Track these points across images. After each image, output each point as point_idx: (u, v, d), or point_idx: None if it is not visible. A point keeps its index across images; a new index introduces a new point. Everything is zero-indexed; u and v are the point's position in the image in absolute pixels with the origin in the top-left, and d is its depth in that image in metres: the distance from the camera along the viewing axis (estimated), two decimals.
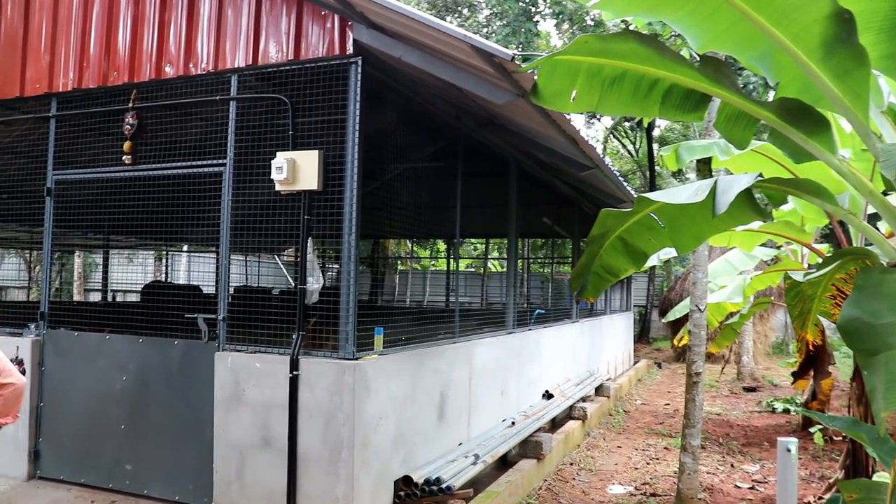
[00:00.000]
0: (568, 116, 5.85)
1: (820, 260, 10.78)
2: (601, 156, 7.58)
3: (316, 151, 5.31)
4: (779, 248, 11.52)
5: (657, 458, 9.38)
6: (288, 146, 5.46)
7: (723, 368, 17.44)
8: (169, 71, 6.08)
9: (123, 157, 6.24)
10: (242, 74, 5.77)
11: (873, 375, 2.98)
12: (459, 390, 6.94)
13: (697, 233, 4.64)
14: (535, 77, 3.96)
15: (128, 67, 6.24)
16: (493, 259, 28.32)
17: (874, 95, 3.45)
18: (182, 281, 21.63)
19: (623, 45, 3.57)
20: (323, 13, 5.45)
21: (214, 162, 5.80)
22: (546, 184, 11.53)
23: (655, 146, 29.63)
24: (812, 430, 9.45)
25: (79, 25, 6.50)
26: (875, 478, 6.07)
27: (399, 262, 27.53)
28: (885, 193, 4.58)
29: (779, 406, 12.99)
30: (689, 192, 3.96)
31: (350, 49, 5.31)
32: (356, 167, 5.20)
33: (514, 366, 8.73)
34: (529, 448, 7.84)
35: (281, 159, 5.31)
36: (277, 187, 5.40)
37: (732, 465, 9.15)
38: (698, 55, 3.53)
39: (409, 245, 27.49)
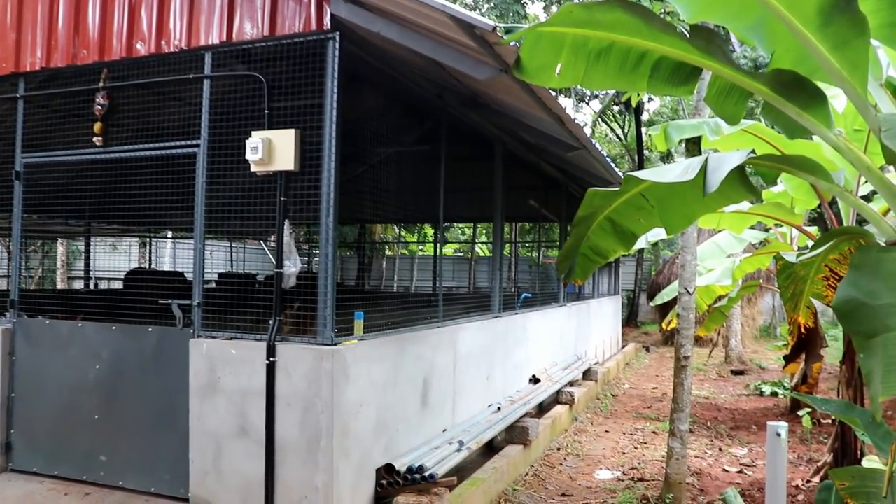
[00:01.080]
0: (553, 93, 5.68)
1: (810, 242, 10.71)
2: (588, 136, 7.41)
3: (293, 130, 5.12)
4: (767, 230, 11.41)
5: (645, 443, 9.29)
6: (264, 125, 5.26)
7: (711, 352, 17.41)
8: (140, 49, 5.85)
9: (94, 139, 6.03)
10: (217, 52, 5.56)
11: (870, 358, 2.85)
12: (444, 376, 6.79)
13: (688, 212, 4.50)
14: (518, 50, 3.79)
15: (98, 45, 6.00)
16: (480, 243, 28.17)
17: (872, 67, 3.30)
18: (167, 268, 21.40)
19: (609, 14, 3.40)
20: None
21: (188, 143, 5.59)
22: (532, 166, 11.37)
23: (644, 129, 29.49)
24: (801, 413, 9.39)
25: (46, 1, 6.25)
26: (865, 462, 5.98)
27: (386, 247, 27.34)
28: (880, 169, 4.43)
29: (767, 389, 12.94)
30: (679, 170, 3.81)
31: (327, 24, 5.11)
32: (334, 146, 5.01)
33: (500, 350, 8.60)
34: (516, 434, 7.72)
35: (256, 139, 5.12)
36: (253, 168, 5.21)
37: (720, 449, 9.07)
38: (689, 26, 3.36)
39: (397, 230, 27.30)
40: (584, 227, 4.76)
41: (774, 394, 12.67)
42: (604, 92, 31.01)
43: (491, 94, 6.69)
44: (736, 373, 15.60)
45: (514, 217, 18.59)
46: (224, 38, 5.46)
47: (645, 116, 31.49)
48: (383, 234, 27.32)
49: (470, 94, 7.27)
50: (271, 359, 5.04)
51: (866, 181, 7.68)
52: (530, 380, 9.71)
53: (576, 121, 6.65)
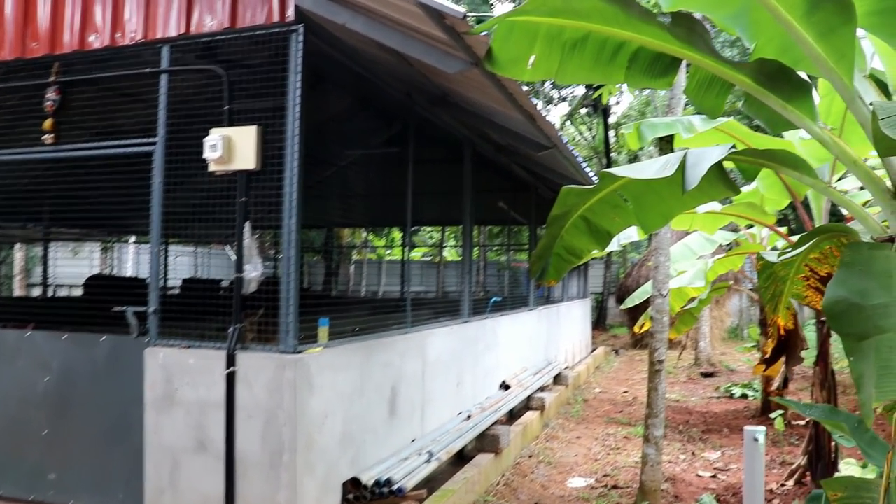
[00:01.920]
0: (525, 88, 5.50)
1: (780, 242, 10.68)
2: (559, 135, 7.26)
3: (254, 127, 4.87)
4: (736, 231, 11.37)
5: (617, 449, 9.15)
6: (224, 122, 5.01)
7: (680, 354, 17.37)
8: (94, 41, 5.56)
9: (44, 137, 5.71)
10: (175, 45, 5.29)
11: (862, 361, 2.70)
12: (412, 383, 6.57)
13: (665, 210, 4.35)
14: (490, 41, 3.61)
15: (49, 37, 5.69)
16: (448, 247, 28.00)
17: (857, 58, 3.17)
18: (130, 273, 20.90)
19: (586, 2, 3.22)
20: None
21: (145, 141, 5.31)
22: (502, 168, 11.21)
23: (611, 132, 29.59)
24: (773, 415, 9.33)
25: None
26: (842, 465, 5.91)
27: (354, 251, 27.03)
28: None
29: (737, 391, 12.91)
30: (657, 166, 3.66)
31: (291, 16, 4.88)
32: (297, 144, 4.78)
33: (469, 356, 8.40)
34: (486, 442, 7.53)
35: (216, 136, 4.86)
36: (212, 167, 4.95)
37: (693, 454, 8.97)
38: (669, 14, 3.20)
39: (364, 234, 27.01)
40: (558, 226, 4.60)
41: (745, 396, 12.63)
42: (571, 94, 31.09)
43: (461, 91, 6.51)
44: (706, 375, 15.59)
45: (484, 220, 18.45)
46: (183, 30, 5.20)
47: (612, 119, 31.55)
48: (351, 239, 27.02)
49: (439, 93, 7.08)
50: (231, 368, 4.79)
51: (840, 178, 7.65)
52: (501, 386, 9.53)
53: (547, 118, 6.48)
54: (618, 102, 32.61)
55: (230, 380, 4.78)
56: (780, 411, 8.90)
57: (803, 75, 3.24)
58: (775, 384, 10.57)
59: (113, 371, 5.33)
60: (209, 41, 5.16)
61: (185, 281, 14.53)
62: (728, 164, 5.31)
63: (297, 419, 4.67)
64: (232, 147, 4.87)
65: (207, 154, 4.86)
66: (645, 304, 12.70)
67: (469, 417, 7.63)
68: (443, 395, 7.39)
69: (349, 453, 5.36)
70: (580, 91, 31.39)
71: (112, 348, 5.37)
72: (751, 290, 12.72)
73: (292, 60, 4.85)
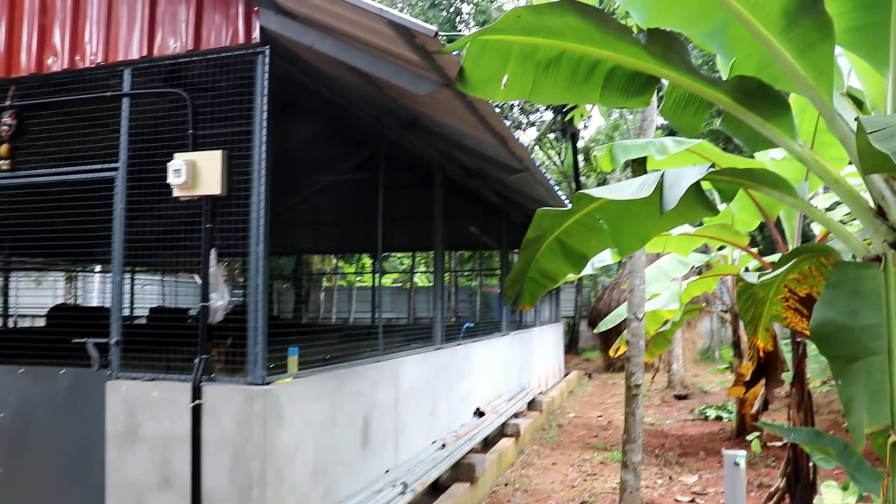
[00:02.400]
0: (497, 109, 5.43)
1: (753, 263, 10.71)
2: (531, 157, 7.19)
3: (219, 152, 4.73)
4: (707, 253, 11.40)
5: (594, 474, 9.03)
6: (188, 147, 4.86)
7: (653, 377, 17.36)
8: (52, 64, 5.39)
9: (0, 163, 5.51)
10: (137, 68, 5.14)
11: (851, 385, 2.61)
12: (385, 413, 6.40)
13: (642, 232, 4.28)
14: (461, 61, 3.52)
15: (4, 60, 5.51)
16: (419, 273, 27.86)
17: (835, 76, 3.12)
18: (96, 303, 20.42)
19: (561, 19, 3.15)
20: None
21: (106, 167, 5.14)
22: (473, 193, 11.16)
23: (580, 157, 29.78)
24: (749, 437, 9.27)
25: None
26: (823, 488, 5.82)
27: (324, 278, 26.78)
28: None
29: (711, 413, 12.88)
30: (634, 187, 3.58)
31: (257, 37, 4.76)
32: (264, 169, 4.65)
33: (443, 383, 8.25)
34: (462, 471, 7.36)
35: (179, 161, 4.71)
36: (176, 193, 4.79)
37: (671, 478, 8.87)
38: (646, 31, 3.14)
39: (335, 261, 26.77)
40: (533, 249, 4.51)
41: (719, 418, 12.60)
42: (540, 119, 31.29)
43: (431, 115, 6.43)
44: (679, 397, 15.56)
45: (454, 245, 18.36)
46: (145, 52, 5.05)
47: (581, 143, 31.77)
48: (321, 266, 26.77)
49: (409, 117, 7.00)
50: (197, 401, 4.59)
51: (810, 197, 7.67)
52: (475, 413, 9.37)
53: (519, 141, 6.41)
54: (586, 127, 32.87)
55: (196, 413, 4.59)
56: (756, 433, 8.85)
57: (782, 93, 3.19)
58: (755, 407, 10.52)
59: (73, 406, 5.10)
60: (172, 64, 5.02)
61: (152, 310, 14.22)
62: (705, 185, 5.25)
63: (267, 452, 4.49)
64: (196, 172, 4.72)
65: (171, 179, 4.70)
66: (618, 328, 12.68)
67: (444, 446, 7.47)
68: (417, 423, 7.22)
69: (321, 486, 5.17)
70: (549, 116, 31.69)
71: (72, 382, 5.14)
72: (722, 311, 12.73)
73: (258, 83, 4.73)
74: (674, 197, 3.23)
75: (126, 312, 15.57)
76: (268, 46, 4.75)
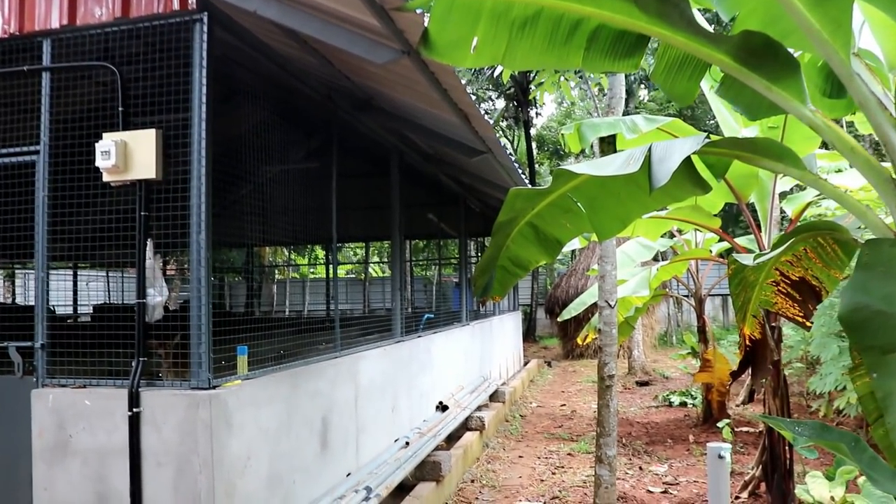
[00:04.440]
0: (463, 82, 5.01)
1: (716, 247, 10.50)
2: (495, 137, 6.79)
3: (153, 131, 4.23)
4: (672, 237, 11.19)
5: (562, 467, 8.73)
6: (117, 125, 4.35)
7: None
8: None
9: None
10: (58, 38, 4.60)
11: (889, 378, 2.28)
12: (344, 412, 5.98)
13: (622, 214, 3.94)
14: (426, 22, 3.12)
15: None
16: (374, 263, 27.37)
17: None
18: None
19: None
20: None
21: (24, 150, 4.60)
22: (430, 180, 10.75)
23: (534, 144, 29.57)
24: (720, 424, 9.06)
25: None
26: (809, 479, 5.59)
27: (276, 270, 26.10)
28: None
29: (675, 399, 12.72)
30: (619, 162, 3.22)
31: (193, 3, 4.27)
32: (204, 149, 4.16)
33: (404, 378, 7.84)
34: (427, 470, 6.98)
35: (108, 142, 4.20)
36: (106, 177, 4.29)
37: (641, 468, 8.63)
38: None
39: (287, 253, 26.10)
40: (504, 235, 4.13)
41: (684, 404, 12.44)
42: (492, 107, 30.97)
43: (388, 93, 6.00)
44: (641, 384, 15.40)
45: (411, 235, 17.94)
46: (66, 21, 4.51)
47: (533, 131, 31.57)
48: (272, 258, 26.09)
49: (363, 97, 6.56)
50: (135, 409, 4.11)
51: (784, 176, 7.43)
52: (437, 407, 8.99)
53: (484, 118, 6.00)
54: (538, 115, 32.73)
55: (134, 422, 4.11)
56: (727, 420, 8.63)
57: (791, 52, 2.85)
58: (740, 397, 10.29)
59: None
60: (99, 34, 4.49)
61: (96, 308, 13.52)
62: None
63: (215, 464, 4.03)
64: (128, 154, 4.22)
65: (100, 162, 4.19)
66: (577, 316, 12.43)
67: (407, 444, 7.07)
68: (378, 422, 6.81)
69: (277, 496, 4.73)
70: (501, 104, 31.38)
71: None
72: (685, 296, 12.54)
73: (196, 53, 4.24)
74: (665, 172, 2.88)
75: (69, 311, 14.92)
76: (206, 13, 4.26)
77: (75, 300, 15.03)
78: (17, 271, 19.15)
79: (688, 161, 3.10)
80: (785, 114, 3.10)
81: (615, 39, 3.09)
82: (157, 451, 4.10)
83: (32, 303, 4.61)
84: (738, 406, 10.75)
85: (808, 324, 3.99)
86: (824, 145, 6.78)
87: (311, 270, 29.01)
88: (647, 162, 2.99)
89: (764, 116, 3.15)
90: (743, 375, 4.74)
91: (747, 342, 4.36)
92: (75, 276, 15.08)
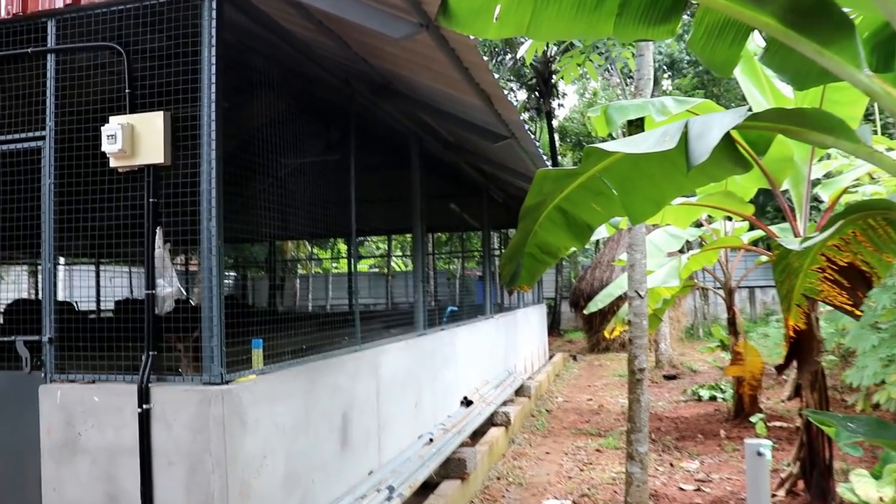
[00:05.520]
0: (485, 59, 4.76)
1: (747, 236, 10.17)
2: (519, 120, 6.52)
3: (161, 113, 4.04)
4: (699, 226, 10.87)
5: (590, 464, 8.47)
6: (125, 109, 4.16)
7: None
8: None
9: None
10: (63, 18, 4.41)
11: None
12: (366, 408, 5.77)
13: (656, 195, 3.69)
14: None
15: None
16: (396, 257, 27.21)
17: None
18: (64, 297, 19.49)
19: None
20: None
21: (30, 135, 4.42)
22: (452, 170, 10.50)
23: (556, 136, 29.24)
24: (753, 419, 8.76)
25: None
26: (853, 476, 5.30)
27: (299, 265, 26.01)
28: None
29: (705, 394, 12.38)
30: (654, 138, 2.98)
31: None
32: (214, 132, 3.96)
33: (427, 372, 7.62)
34: (452, 467, 6.77)
35: (114, 125, 4.01)
36: (113, 163, 4.10)
37: (671, 465, 8.34)
38: None
39: (309, 247, 26.01)
40: (531, 220, 3.90)
41: (713, 398, 12.12)
42: (514, 99, 30.64)
43: (407, 76, 5.78)
44: (669, 377, 15.08)
45: (432, 227, 17.73)
46: (71, 0, 4.33)
47: (555, 123, 31.23)
48: (295, 252, 25.99)
49: (381, 81, 6.34)
50: (144, 406, 3.92)
51: (818, 162, 7.11)
52: (462, 402, 8.77)
53: (507, 100, 5.74)
54: (561, 106, 32.40)
55: (144, 419, 3.92)
56: (761, 414, 8.33)
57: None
58: (786, 392, 9.89)
59: (1, 415, 4.41)
60: (105, 12, 4.29)
61: (118, 303, 13.43)
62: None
63: (229, 463, 3.84)
64: (136, 138, 4.02)
65: (106, 147, 4.00)
66: (603, 308, 12.14)
67: (431, 441, 6.85)
68: (401, 417, 6.60)
69: (295, 497, 4.53)
70: (523, 96, 31.08)
71: (0, 387, 4.45)
72: (716, 287, 12.20)
73: (205, 32, 4.03)
74: (704, 149, 2.65)
75: (93, 306, 14.90)
76: None
77: (98, 295, 15.01)
78: (39, 267, 19.19)
79: (727, 137, 2.85)
80: (836, 81, 2.81)
81: (649, 3, 2.85)
82: (167, 449, 3.92)
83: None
84: (782, 402, 10.38)
85: (857, 312, 3.71)
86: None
87: (334, 265, 28.89)
88: (684, 138, 2.75)
89: (813, 85, 2.89)
90: (787, 369, 4.47)
91: (791, 333, 4.09)
92: (98, 272, 15.06)
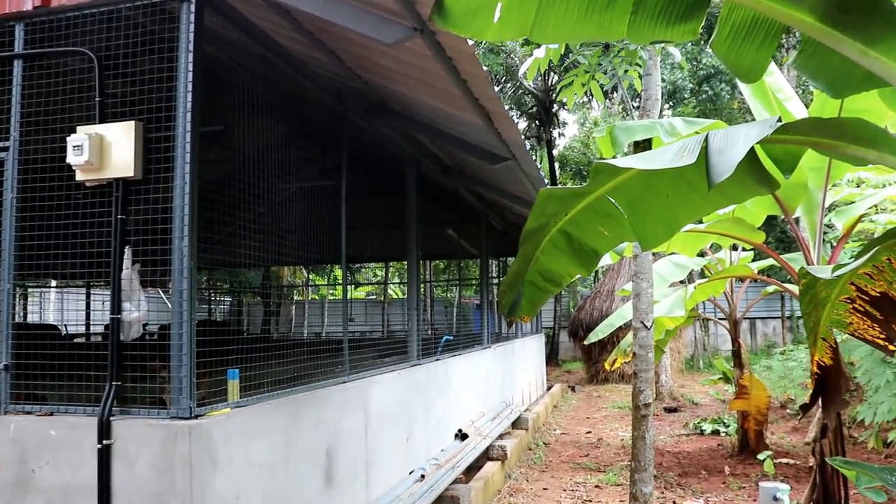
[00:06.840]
0: (485, 69, 4.47)
1: (755, 265, 9.85)
2: (521, 140, 6.22)
3: (132, 123, 3.73)
4: (702, 255, 10.55)
5: (590, 501, 8.08)
6: (94, 118, 3.85)
7: None
8: None
9: None
10: (31, 22, 4.12)
11: None
12: (352, 443, 5.41)
13: (670, 218, 3.36)
14: None
15: None
16: (393, 284, 26.87)
17: None
18: (51, 320, 19.14)
19: None
20: None
21: None
22: (449, 196, 10.21)
23: (556, 165, 29.06)
24: (761, 456, 8.38)
25: None
26: None
27: (294, 291, 25.66)
28: None
29: (707, 427, 12.00)
30: (670, 154, 2.67)
31: None
32: (189, 143, 3.65)
33: (420, 404, 7.25)
34: None
35: (81, 135, 3.70)
36: (79, 176, 3.79)
37: (674, 503, 7.94)
38: None
39: (305, 273, 25.66)
40: (533, 244, 3.58)
41: (716, 432, 11.73)
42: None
43: (402, 92, 5.49)
44: (669, 410, 14.68)
45: (430, 255, 17.44)
46: (38, 2, 4.04)
47: (556, 152, 31.06)
48: (291, 278, 25.66)
49: (377, 99, 6.05)
50: (105, 441, 3.56)
51: (832, 188, 6.81)
52: (456, 436, 8.39)
53: (509, 117, 5.45)
54: (561, 135, 32.26)
55: (104, 456, 3.57)
56: (769, 451, 7.96)
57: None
58: (810, 434, 9.44)
59: None
60: (76, 16, 4.00)
61: (106, 327, 13.08)
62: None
63: None
64: (104, 149, 3.71)
65: (71, 158, 3.69)
66: (602, 339, 11.79)
67: (423, 477, 6.48)
68: (391, 452, 6.22)
69: None
70: (523, 125, 30.91)
71: None
72: (720, 318, 11.85)
73: (182, 37, 3.74)
74: (727, 165, 2.35)
75: (81, 329, 14.57)
76: None
77: (88, 319, 14.70)
78: (30, 290, 18.84)
79: (751, 153, 2.54)
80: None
81: (669, 1, 2.55)
82: (129, 489, 3.56)
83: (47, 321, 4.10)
84: (807, 444, 9.96)
85: (891, 347, 3.39)
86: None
87: (331, 292, 28.53)
88: (704, 153, 2.45)
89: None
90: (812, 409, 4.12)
91: (815, 369, 3.76)
92: (87, 294, 14.77)
